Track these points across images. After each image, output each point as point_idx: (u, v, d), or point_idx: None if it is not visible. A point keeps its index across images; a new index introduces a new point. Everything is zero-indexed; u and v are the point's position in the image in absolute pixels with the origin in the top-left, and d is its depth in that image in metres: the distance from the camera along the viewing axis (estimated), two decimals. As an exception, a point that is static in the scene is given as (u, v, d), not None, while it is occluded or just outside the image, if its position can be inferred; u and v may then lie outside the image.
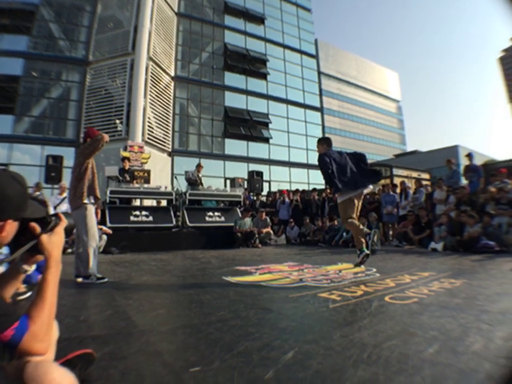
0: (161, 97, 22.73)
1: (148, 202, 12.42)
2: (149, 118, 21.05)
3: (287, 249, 9.31)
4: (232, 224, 10.18)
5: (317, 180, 29.61)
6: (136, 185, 10.36)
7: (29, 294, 3.11)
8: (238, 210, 11.14)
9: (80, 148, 4.66)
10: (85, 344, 1.99)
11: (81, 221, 4.34)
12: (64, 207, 8.89)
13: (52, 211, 4.56)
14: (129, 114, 20.34)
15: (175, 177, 11.81)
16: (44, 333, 1.05)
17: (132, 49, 21.35)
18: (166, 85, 23.69)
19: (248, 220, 10.30)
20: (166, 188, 10.69)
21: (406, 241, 9.38)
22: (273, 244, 11.06)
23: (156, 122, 21.91)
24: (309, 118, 31.63)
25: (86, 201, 4.39)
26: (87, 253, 4.29)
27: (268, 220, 11.14)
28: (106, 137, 4.43)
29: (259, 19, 30.74)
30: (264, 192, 16.67)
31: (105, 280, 4.26)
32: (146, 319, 2.64)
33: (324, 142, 5.40)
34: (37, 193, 9.84)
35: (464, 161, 11.05)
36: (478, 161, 10.73)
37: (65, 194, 9.52)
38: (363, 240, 4.80)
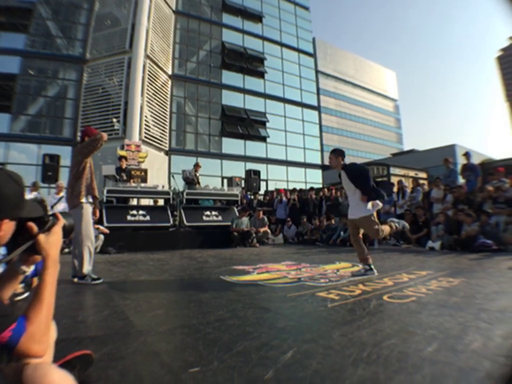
0: (158, 95, 22.66)
1: (145, 202, 12.38)
2: (146, 116, 20.99)
3: (284, 249, 9.32)
4: (230, 223, 10.17)
5: (314, 179, 29.70)
6: (133, 185, 10.34)
7: (26, 294, 3.09)
8: (236, 209, 11.12)
9: (77, 146, 4.62)
10: (84, 345, 1.98)
11: (77, 220, 4.31)
12: (61, 206, 8.86)
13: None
14: (126, 113, 20.25)
15: (172, 176, 11.80)
16: (41, 334, 1.03)
17: (129, 47, 21.24)
18: (163, 83, 23.61)
19: (245, 219, 10.29)
20: (163, 187, 10.67)
21: (404, 240, 9.38)
22: (271, 243, 11.06)
23: (153, 121, 21.85)
24: (306, 116, 31.61)
25: (83, 200, 4.37)
26: (81, 253, 4.26)
27: (265, 219, 11.14)
28: (105, 136, 4.40)
29: (257, 17, 30.68)
30: (262, 191, 16.67)
31: (100, 281, 4.23)
32: (144, 319, 2.63)
33: (342, 155, 4.98)
34: (34, 192, 9.80)
35: (461, 160, 11.08)
36: (475, 160, 10.77)
37: (62, 194, 9.48)
38: (369, 257, 4.65)
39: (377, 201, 4.72)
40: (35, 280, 3.12)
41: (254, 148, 27.81)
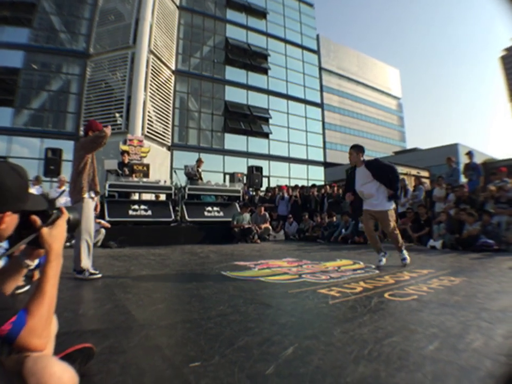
0: (161, 91, 22.65)
1: (147, 197, 12.39)
2: (148, 111, 20.98)
3: (285, 245, 9.32)
4: (231, 219, 10.17)
5: (316, 176, 29.66)
6: (135, 179, 10.34)
7: (27, 287, 3.10)
8: (237, 205, 11.13)
9: (80, 140, 4.60)
10: (85, 338, 1.98)
11: (78, 215, 4.29)
12: (63, 200, 8.86)
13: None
14: (129, 108, 20.26)
15: (175, 172, 11.80)
16: (42, 328, 1.02)
17: (132, 42, 21.24)
18: (167, 79, 23.60)
19: (247, 215, 10.29)
20: (165, 182, 10.68)
21: (405, 238, 9.36)
22: (272, 239, 11.05)
23: (155, 116, 21.84)
24: (309, 113, 31.57)
25: (85, 196, 4.36)
26: (79, 247, 4.25)
27: (267, 215, 11.14)
28: (109, 132, 4.35)
29: (261, 13, 30.59)
30: (263, 188, 16.66)
31: (99, 276, 4.18)
32: (145, 314, 2.63)
33: (362, 151, 5.17)
34: (37, 186, 9.82)
35: (464, 160, 11.03)
36: (477, 160, 10.72)
37: (64, 187, 9.50)
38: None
39: (392, 201, 5.06)
40: (36, 273, 3.13)
41: (257, 144, 27.79)
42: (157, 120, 21.93)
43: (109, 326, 2.33)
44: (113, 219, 8.76)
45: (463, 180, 10.73)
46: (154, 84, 21.73)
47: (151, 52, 21.56)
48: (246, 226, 10.00)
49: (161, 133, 22.33)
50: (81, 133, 17.71)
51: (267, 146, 28.35)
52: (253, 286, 3.70)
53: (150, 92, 21.24)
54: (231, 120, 26.84)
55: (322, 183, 24.63)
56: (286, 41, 31.58)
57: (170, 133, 23.54)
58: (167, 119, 23.26)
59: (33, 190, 9.23)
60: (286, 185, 15.60)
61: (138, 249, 7.74)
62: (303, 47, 32.74)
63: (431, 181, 11.61)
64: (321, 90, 38.95)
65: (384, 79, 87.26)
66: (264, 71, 29.54)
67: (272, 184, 22.38)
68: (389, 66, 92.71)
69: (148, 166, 13.05)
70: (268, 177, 25.53)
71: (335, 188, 12.58)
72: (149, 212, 9.59)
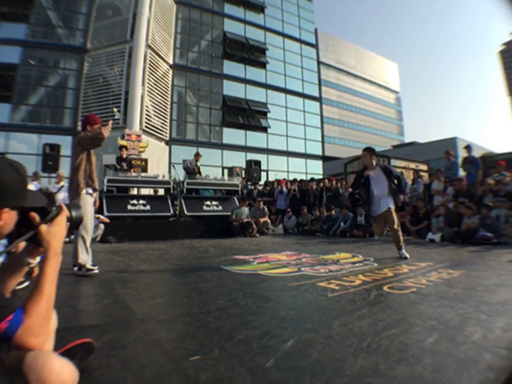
0: (159, 85, 22.53)
1: (145, 191, 12.38)
2: (146, 106, 20.90)
3: (284, 239, 9.32)
4: (230, 213, 10.17)
5: (315, 169, 29.65)
6: (134, 174, 10.32)
7: (27, 283, 3.10)
8: (236, 199, 11.12)
9: (78, 136, 4.56)
10: (84, 333, 1.99)
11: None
12: (62, 196, 8.85)
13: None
14: (127, 103, 20.15)
15: (173, 166, 11.79)
16: (39, 327, 1.01)
17: (130, 37, 21.07)
18: (164, 73, 23.46)
19: (245, 209, 10.29)
20: (163, 176, 10.66)
21: (404, 231, 9.36)
22: (271, 233, 11.06)
23: (153, 110, 21.75)
24: (307, 107, 31.50)
25: (83, 192, 4.34)
26: (76, 242, 4.24)
27: (266, 209, 11.13)
28: (107, 132, 4.29)
29: (259, 7, 30.39)
30: (262, 182, 16.64)
31: (96, 271, 4.16)
32: (145, 308, 2.64)
33: (375, 154, 5.92)
34: (35, 182, 9.80)
35: (462, 153, 11.04)
36: (476, 154, 10.73)
37: (62, 183, 9.49)
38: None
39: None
40: (36, 269, 3.12)
41: (255, 138, 27.74)
42: (155, 115, 21.84)
43: (108, 320, 2.33)
44: (112, 214, 8.75)
45: (462, 173, 10.74)
46: (152, 78, 21.62)
47: (148, 46, 21.42)
48: (245, 220, 10.02)
49: (159, 127, 22.25)
50: (79, 128, 17.66)
51: (265, 140, 28.29)
52: (252, 279, 3.71)
53: (148, 87, 21.13)
54: (229, 114, 26.75)
55: (321, 176, 24.62)
56: (284, 35, 31.40)
57: (168, 128, 23.45)
58: (165, 113, 23.15)
59: (32, 186, 9.22)
60: (285, 179, 15.61)
61: (137, 244, 7.74)
62: (301, 41, 32.57)
63: (430, 175, 11.59)
64: (320, 84, 38.80)
65: (382, 73, 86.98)
66: (262, 65, 29.41)
67: (271, 178, 22.34)
68: (387, 60, 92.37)
69: (146, 160, 13.04)
70: (267, 171, 25.50)
71: (334, 182, 12.59)
72: (148, 207, 9.58)
